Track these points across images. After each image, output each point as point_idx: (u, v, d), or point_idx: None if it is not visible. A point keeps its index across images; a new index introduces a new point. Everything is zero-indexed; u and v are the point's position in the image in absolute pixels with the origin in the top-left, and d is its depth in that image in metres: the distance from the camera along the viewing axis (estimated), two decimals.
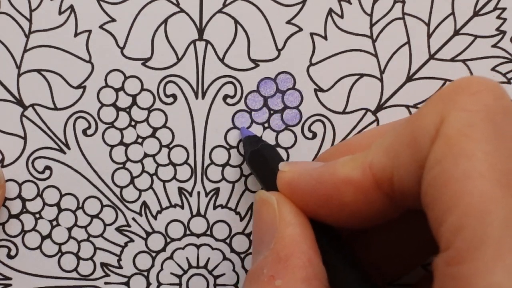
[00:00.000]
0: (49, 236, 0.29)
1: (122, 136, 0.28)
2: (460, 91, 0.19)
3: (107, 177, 0.28)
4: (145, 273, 0.29)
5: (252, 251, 0.23)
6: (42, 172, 0.28)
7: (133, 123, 0.28)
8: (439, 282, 0.17)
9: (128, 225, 0.29)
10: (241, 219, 0.29)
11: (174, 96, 0.28)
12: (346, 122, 0.28)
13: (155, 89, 0.28)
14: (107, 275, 0.29)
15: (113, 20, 0.28)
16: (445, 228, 0.17)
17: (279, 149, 0.28)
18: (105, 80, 0.28)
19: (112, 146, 0.28)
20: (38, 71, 0.28)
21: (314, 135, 0.28)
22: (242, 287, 0.29)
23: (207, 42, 0.28)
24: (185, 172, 0.28)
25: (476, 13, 0.28)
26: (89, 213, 0.29)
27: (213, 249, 0.29)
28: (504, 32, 0.28)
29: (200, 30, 0.28)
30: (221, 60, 0.28)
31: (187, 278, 0.29)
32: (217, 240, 0.29)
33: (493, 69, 0.28)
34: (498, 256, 0.16)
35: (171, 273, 0.29)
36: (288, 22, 0.28)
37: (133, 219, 0.29)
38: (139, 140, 0.28)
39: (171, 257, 0.29)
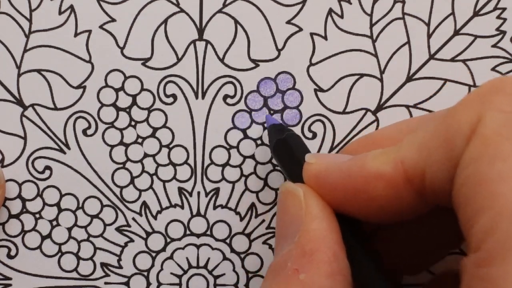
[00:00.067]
0: (49, 236, 0.29)
1: (122, 136, 0.28)
2: (497, 91, 0.18)
3: (107, 177, 0.28)
4: (145, 273, 0.29)
5: (274, 243, 0.23)
6: (42, 172, 0.28)
7: (133, 123, 0.28)
8: (468, 283, 0.17)
9: (128, 225, 0.29)
10: (241, 219, 0.29)
11: (174, 96, 0.28)
12: (346, 122, 0.28)
13: (155, 89, 0.28)
14: (107, 275, 0.29)
15: (113, 20, 0.28)
16: (476, 229, 0.17)
17: None
18: (105, 80, 0.28)
19: (112, 146, 0.28)
20: (38, 71, 0.28)
21: (314, 135, 0.28)
22: (242, 286, 0.29)
23: (207, 42, 0.28)
24: (185, 172, 0.28)
25: (476, 13, 0.28)
26: (89, 213, 0.29)
27: (213, 249, 0.29)
28: (504, 32, 0.28)
29: (200, 30, 0.28)
30: (221, 60, 0.28)
31: (187, 278, 0.29)
32: (217, 240, 0.29)
33: (493, 69, 0.28)
34: None
35: (171, 273, 0.29)
36: (288, 22, 0.28)
37: (133, 219, 0.29)
38: (139, 140, 0.28)
39: (171, 257, 0.29)
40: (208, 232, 0.29)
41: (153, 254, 0.29)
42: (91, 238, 0.29)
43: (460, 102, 0.19)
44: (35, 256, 0.29)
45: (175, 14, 0.28)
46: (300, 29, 0.28)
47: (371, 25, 0.28)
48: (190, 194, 0.29)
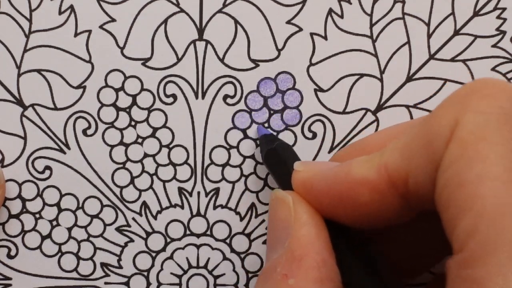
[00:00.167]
0: (49, 236, 0.29)
1: (122, 136, 0.28)
2: (474, 93, 0.19)
3: (107, 177, 0.28)
4: (145, 273, 0.29)
5: (266, 249, 0.23)
6: (42, 172, 0.28)
7: (133, 123, 0.28)
8: (452, 284, 0.17)
9: (128, 225, 0.29)
10: (241, 219, 0.29)
11: (174, 96, 0.28)
12: (346, 122, 0.28)
13: (155, 89, 0.28)
14: (107, 275, 0.29)
15: (113, 20, 0.28)
16: (458, 230, 0.17)
17: None
18: (105, 80, 0.28)
19: (112, 146, 0.28)
20: (38, 71, 0.28)
21: (314, 135, 0.28)
22: (242, 286, 0.29)
23: (207, 42, 0.28)
24: (185, 172, 0.28)
25: (476, 13, 0.28)
26: (89, 213, 0.29)
27: (213, 249, 0.29)
28: (504, 32, 0.28)
29: (200, 30, 0.28)
30: (221, 60, 0.28)
31: (187, 278, 0.29)
32: (217, 240, 0.29)
33: (493, 69, 0.28)
34: (511, 260, 0.16)
35: (171, 273, 0.29)
36: (288, 22, 0.28)
37: (133, 219, 0.29)
38: (139, 140, 0.28)
39: (171, 257, 0.29)
40: (208, 232, 0.29)
41: (153, 254, 0.29)
42: (91, 238, 0.29)
43: (439, 106, 0.20)
44: (35, 256, 0.29)
45: (175, 14, 0.28)
46: (300, 29, 0.28)
47: (371, 25, 0.28)
48: (190, 194, 0.29)
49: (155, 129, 0.28)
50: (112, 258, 0.29)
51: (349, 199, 0.21)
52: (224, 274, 0.29)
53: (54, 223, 0.29)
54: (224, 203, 0.29)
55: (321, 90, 0.28)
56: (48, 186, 0.28)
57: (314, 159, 0.28)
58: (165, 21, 0.28)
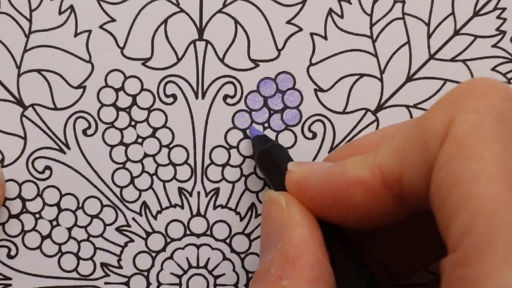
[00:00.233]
0: (49, 236, 0.29)
1: (122, 136, 0.28)
2: (468, 93, 0.19)
3: (107, 177, 0.28)
4: (145, 273, 0.29)
5: (259, 251, 0.23)
6: (42, 172, 0.28)
7: (133, 123, 0.28)
8: (447, 283, 0.17)
9: (128, 225, 0.29)
10: (241, 219, 0.29)
11: (174, 96, 0.28)
12: (346, 122, 0.28)
13: (155, 89, 0.28)
14: (107, 275, 0.29)
15: (113, 20, 0.28)
16: (452, 229, 0.17)
17: None
18: (105, 80, 0.28)
19: (112, 146, 0.28)
20: (38, 71, 0.28)
21: (314, 135, 0.28)
22: (242, 286, 0.29)
23: (207, 42, 0.28)
24: (185, 172, 0.28)
25: (476, 13, 0.28)
26: (89, 213, 0.29)
27: (213, 249, 0.29)
28: (504, 32, 0.28)
29: (200, 30, 0.28)
30: (221, 60, 0.28)
31: (187, 278, 0.29)
32: (217, 240, 0.29)
33: (493, 69, 0.28)
34: (505, 258, 0.16)
35: (171, 273, 0.29)
36: (288, 22, 0.28)
37: (133, 219, 0.29)
38: (139, 140, 0.28)
39: (171, 257, 0.29)
40: (208, 232, 0.29)
41: (153, 254, 0.29)
42: (91, 238, 0.29)
43: (433, 105, 0.20)
44: (35, 256, 0.29)
45: (175, 14, 0.28)
46: (300, 29, 0.28)
47: (371, 25, 0.28)
48: (190, 194, 0.29)
49: (155, 129, 0.28)
50: (112, 258, 0.29)
51: (343, 200, 0.21)
52: (224, 274, 0.29)
53: (54, 223, 0.29)
54: (224, 203, 0.29)
55: (321, 90, 0.28)
56: (48, 186, 0.28)
57: (314, 159, 0.28)
58: (165, 21, 0.28)
